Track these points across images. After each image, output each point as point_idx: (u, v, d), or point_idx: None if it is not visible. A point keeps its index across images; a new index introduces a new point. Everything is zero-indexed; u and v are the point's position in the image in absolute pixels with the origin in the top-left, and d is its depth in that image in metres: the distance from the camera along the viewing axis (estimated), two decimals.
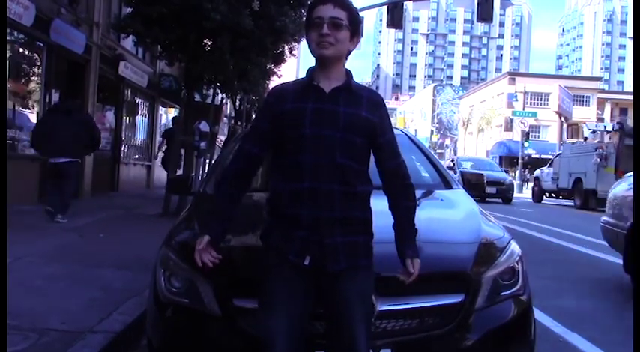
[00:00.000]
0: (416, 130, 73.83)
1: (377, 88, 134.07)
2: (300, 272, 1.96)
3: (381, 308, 2.14)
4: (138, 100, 16.48)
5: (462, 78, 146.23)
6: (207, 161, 12.30)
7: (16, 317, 3.26)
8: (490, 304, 2.35)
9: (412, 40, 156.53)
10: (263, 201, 2.17)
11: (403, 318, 2.22)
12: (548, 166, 23.50)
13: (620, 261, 5.61)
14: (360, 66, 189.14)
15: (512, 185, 22.19)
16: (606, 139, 20.19)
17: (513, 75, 57.96)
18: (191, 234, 2.74)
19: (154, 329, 2.51)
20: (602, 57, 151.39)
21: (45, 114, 9.03)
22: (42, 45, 10.03)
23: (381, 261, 2.07)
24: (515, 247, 2.61)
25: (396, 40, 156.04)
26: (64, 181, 7.92)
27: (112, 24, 11.17)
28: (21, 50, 9.24)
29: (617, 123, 21.10)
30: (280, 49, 12.38)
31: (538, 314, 3.46)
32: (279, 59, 13.36)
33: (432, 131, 78.77)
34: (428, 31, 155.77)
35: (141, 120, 17.05)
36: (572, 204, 20.44)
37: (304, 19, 2.15)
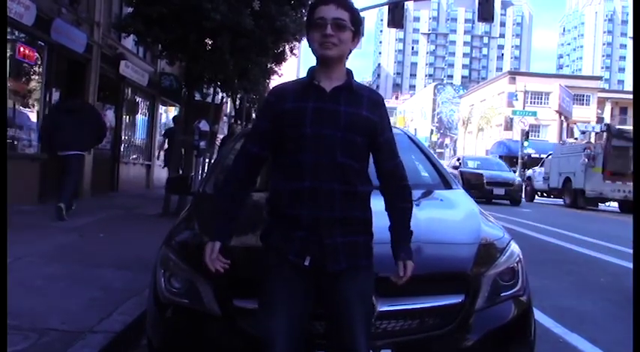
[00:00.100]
0: (416, 129, 73.83)
1: (377, 87, 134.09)
2: (300, 273, 1.95)
3: (381, 309, 2.14)
4: (138, 99, 16.47)
5: (462, 77, 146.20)
6: (207, 160, 12.28)
7: (16, 317, 3.26)
8: (490, 305, 2.34)
9: (413, 40, 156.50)
10: (263, 201, 2.17)
11: (403, 319, 2.21)
12: (540, 166, 24.07)
13: (620, 261, 5.61)
14: (360, 65, 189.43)
15: (522, 186, 21.03)
16: (594, 140, 21.01)
17: (514, 74, 57.88)
18: (191, 234, 2.74)
19: (154, 329, 2.51)
20: (603, 56, 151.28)
21: (53, 111, 9.27)
22: (43, 44, 10.03)
23: (381, 261, 2.06)
24: (515, 247, 2.61)
25: (396, 40, 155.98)
26: (67, 175, 8.21)
27: (113, 23, 11.17)
28: (21, 49, 9.23)
29: (605, 124, 22.03)
30: (281, 49, 12.36)
31: (538, 315, 3.46)
32: (279, 58, 13.33)
33: (431, 130, 78.73)
34: (429, 30, 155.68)
35: (141, 119, 17.03)
36: (562, 202, 21.03)
37: (305, 18, 2.15)
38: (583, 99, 53.10)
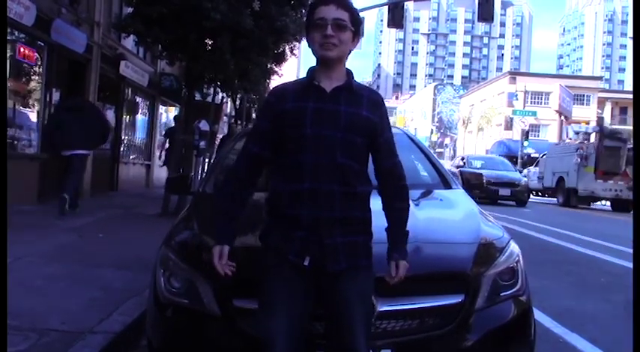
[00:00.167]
0: (416, 129, 73.88)
1: (377, 87, 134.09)
2: (300, 273, 1.95)
3: (381, 309, 2.14)
4: (138, 99, 16.47)
5: (462, 77, 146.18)
6: (207, 160, 12.28)
7: (16, 317, 3.25)
8: (490, 304, 2.34)
9: (413, 40, 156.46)
10: (263, 201, 2.17)
11: (403, 319, 2.21)
12: (535, 166, 24.51)
13: (620, 261, 5.61)
14: (360, 65, 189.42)
15: (527, 186, 20.07)
16: (584, 139, 21.53)
17: (514, 74, 57.89)
18: (191, 233, 2.74)
19: (154, 329, 2.51)
20: (603, 56, 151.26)
21: (56, 111, 9.33)
22: (43, 44, 10.02)
23: (381, 261, 2.06)
24: (514, 247, 2.61)
25: (396, 40, 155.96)
26: (70, 174, 8.36)
27: (113, 23, 11.17)
28: (21, 50, 9.24)
29: (597, 125, 22.41)
30: (281, 49, 12.36)
31: (538, 315, 3.46)
32: (280, 59, 13.34)
33: (431, 130, 78.78)
34: (429, 30, 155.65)
35: (141, 119, 17.03)
36: (556, 201, 21.43)
37: (305, 19, 2.15)
38: (583, 100, 53.11)
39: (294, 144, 1.98)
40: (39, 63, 10.11)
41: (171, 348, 2.38)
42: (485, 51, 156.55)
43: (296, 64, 34.03)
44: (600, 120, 38.28)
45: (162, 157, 14.35)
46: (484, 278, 2.36)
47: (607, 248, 8.66)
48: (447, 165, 18.38)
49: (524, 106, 49.06)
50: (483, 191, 17.35)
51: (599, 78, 71.55)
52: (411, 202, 2.17)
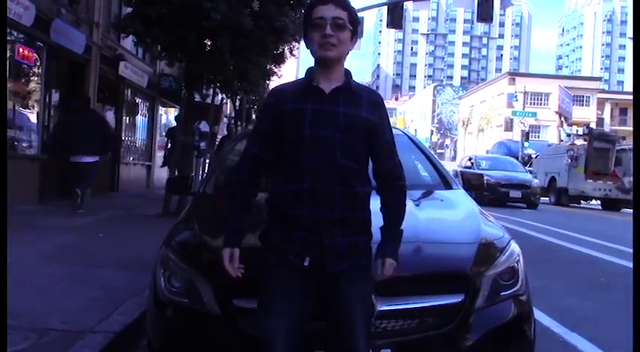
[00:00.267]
0: (416, 130, 73.86)
1: (377, 87, 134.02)
2: (300, 273, 1.95)
3: (381, 309, 2.14)
4: (138, 100, 16.48)
5: (462, 78, 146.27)
6: (207, 161, 12.29)
7: (16, 317, 3.25)
8: (490, 304, 2.34)
9: (412, 40, 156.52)
10: (263, 201, 2.17)
11: (403, 318, 2.21)
12: (529, 167, 24.84)
13: (620, 261, 5.61)
14: (360, 66, 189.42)
15: (539, 188, 18.79)
16: (577, 142, 22.23)
17: (513, 75, 57.95)
18: (191, 234, 2.74)
19: (154, 329, 2.51)
20: (602, 57, 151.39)
21: (61, 115, 9.47)
22: (42, 45, 10.02)
23: None
24: (515, 247, 2.61)
25: (396, 40, 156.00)
26: (83, 178, 8.68)
27: (112, 24, 11.17)
28: (21, 50, 9.24)
29: (587, 127, 23.49)
30: (281, 49, 12.37)
31: (538, 314, 3.46)
32: (279, 59, 13.35)
33: (432, 131, 78.84)
34: (428, 31, 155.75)
35: (141, 120, 17.04)
36: (548, 201, 21.89)
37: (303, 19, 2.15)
38: (583, 100, 53.13)
39: (293, 145, 1.98)
40: (38, 63, 10.11)
41: (171, 348, 2.38)
42: (484, 51, 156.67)
43: (295, 64, 34.02)
44: (600, 121, 38.36)
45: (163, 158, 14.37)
46: (484, 277, 2.36)
47: (607, 248, 8.66)
48: (448, 166, 18.24)
49: (523, 107, 49.11)
50: (493, 193, 16.85)
51: (599, 79, 71.61)
52: (411, 202, 2.17)
